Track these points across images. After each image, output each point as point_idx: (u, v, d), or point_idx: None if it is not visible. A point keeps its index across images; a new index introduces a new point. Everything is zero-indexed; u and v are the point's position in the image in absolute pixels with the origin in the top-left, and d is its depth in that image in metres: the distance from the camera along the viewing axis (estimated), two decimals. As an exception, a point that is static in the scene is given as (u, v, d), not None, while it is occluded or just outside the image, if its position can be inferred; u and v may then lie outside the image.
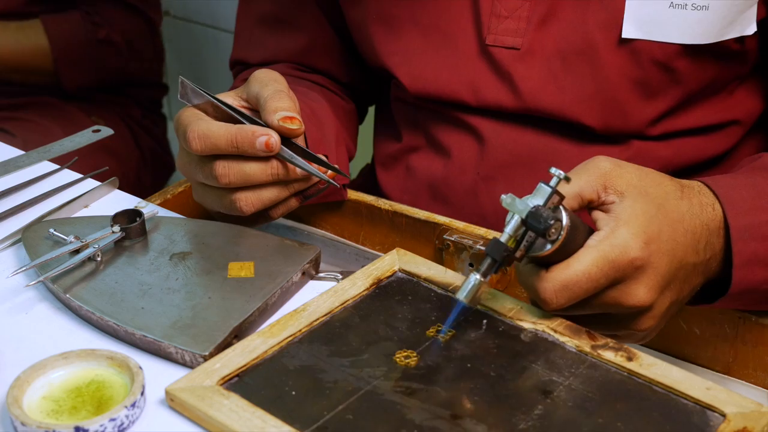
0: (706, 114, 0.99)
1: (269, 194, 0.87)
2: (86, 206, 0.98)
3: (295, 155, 0.85)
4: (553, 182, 0.70)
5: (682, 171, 1.00)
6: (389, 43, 1.04)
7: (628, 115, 0.97)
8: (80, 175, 1.02)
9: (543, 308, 0.74)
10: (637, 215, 0.73)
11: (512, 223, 0.71)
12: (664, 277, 0.74)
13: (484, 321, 0.77)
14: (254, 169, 0.84)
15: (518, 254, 0.72)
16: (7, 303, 0.82)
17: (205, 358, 0.73)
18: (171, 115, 2.59)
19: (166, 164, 1.99)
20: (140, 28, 1.77)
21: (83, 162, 1.09)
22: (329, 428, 0.65)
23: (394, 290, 0.81)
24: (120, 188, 1.02)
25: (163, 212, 0.95)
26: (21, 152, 1.08)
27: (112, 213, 0.88)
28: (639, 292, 0.73)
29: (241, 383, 0.70)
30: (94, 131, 1.09)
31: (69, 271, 0.82)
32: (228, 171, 0.84)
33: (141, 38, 1.77)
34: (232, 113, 0.87)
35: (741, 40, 0.93)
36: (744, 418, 0.66)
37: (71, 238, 0.84)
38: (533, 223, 0.70)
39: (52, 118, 1.73)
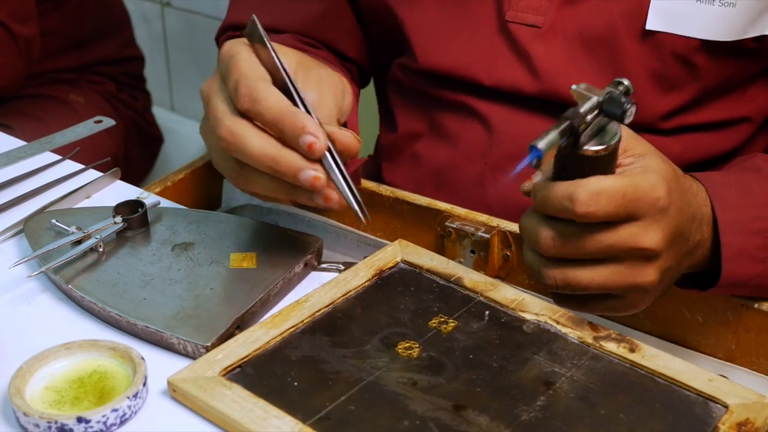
0: (719, 110, 0.99)
1: (272, 186, 0.76)
2: (88, 197, 0.98)
3: (334, 167, 0.73)
4: (618, 87, 0.70)
5: (691, 167, 1.00)
6: (406, 8, 1.02)
7: (643, 107, 0.96)
8: (82, 166, 1.02)
9: (571, 216, 0.69)
10: (660, 168, 0.73)
11: (588, 104, 0.68)
12: (674, 230, 0.73)
13: (487, 312, 0.77)
14: (262, 146, 0.73)
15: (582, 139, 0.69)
16: (9, 294, 0.82)
17: (207, 349, 0.73)
18: (172, 103, 2.59)
19: (151, 137, 2.03)
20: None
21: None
22: (331, 419, 0.65)
23: (397, 281, 0.81)
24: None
25: (165, 203, 0.95)
26: (22, 143, 1.08)
27: (114, 204, 0.88)
28: (654, 235, 0.71)
29: (244, 374, 0.70)
30: (96, 122, 1.08)
31: (71, 262, 0.82)
32: (231, 135, 0.73)
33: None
34: (291, 89, 0.74)
35: (760, 38, 0.93)
36: (746, 410, 0.66)
37: (73, 229, 0.84)
38: (610, 107, 0.68)
39: (39, 106, 1.78)
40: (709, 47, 0.92)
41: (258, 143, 0.72)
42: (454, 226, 0.94)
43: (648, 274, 0.72)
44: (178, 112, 2.58)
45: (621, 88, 0.69)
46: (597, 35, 0.94)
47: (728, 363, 0.89)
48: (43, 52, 1.75)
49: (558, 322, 0.75)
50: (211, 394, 0.67)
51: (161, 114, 2.21)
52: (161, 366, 0.72)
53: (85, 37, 1.87)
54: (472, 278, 0.81)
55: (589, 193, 0.68)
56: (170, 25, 2.45)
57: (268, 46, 0.75)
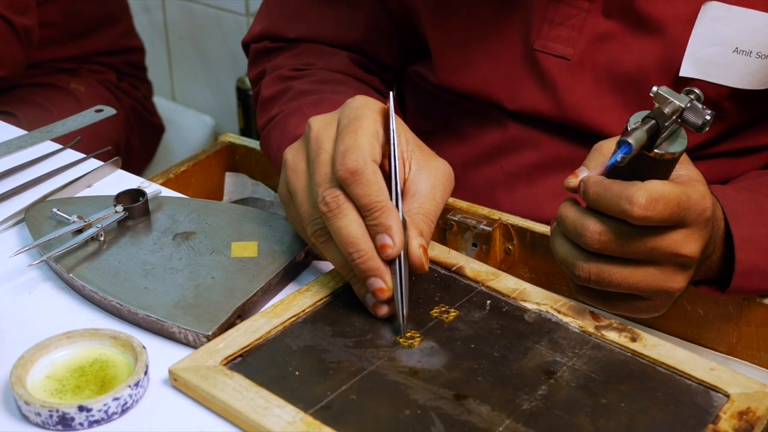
0: (740, 141, 0.98)
1: (341, 265, 0.75)
2: (89, 186, 0.98)
3: (398, 274, 0.73)
4: (690, 96, 0.70)
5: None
6: (433, 25, 1.00)
7: None
8: (83, 155, 1.02)
9: (626, 216, 0.69)
10: (702, 178, 0.73)
11: (671, 108, 0.68)
12: (707, 241, 0.74)
13: (488, 302, 0.77)
14: (354, 236, 0.72)
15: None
16: (11, 282, 0.82)
17: (209, 338, 0.73)
18: (173, 92, 2.58)
19: (152, 126, 2.05)
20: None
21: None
22: (332, 408, 0.65)
23: (398, 270, 0.81)
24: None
25: (166, 192, 0.95)
26: (23, 132, 1.08)
27: (115, 193, 0.87)
28: (695, 243, 0.72)
29: (245, 363, 0.70)
30: (97, 111, 1.08)
31: (72, 251, 0.82)
32: (336, 206, 0.73)
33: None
34: (394, 179, 0.74)
35: None
36: (748, 399, 0.66)
37: (74, 218, 0.84)
38: (690, 116, 0.68)
39: (42, 95, 1.80)
40: (739, 94, 0.91)
41: (352, 228, 0.72)
42: (456, 218, 0.94)
43: (679, 280, 0.73)
44: (179, 101, 2.57)
45: (693, 96, 0.70)
46: (627, 74, 0.93)
47: (729, 356, 0.89)
48: (42, 42, 1.76)
49: (559, 312, 0.75)
50: (213, 383, 0.67)
51: (162, 103, 2.21)
52: (162, 355, 0.72)
53: (83, 27, 1.88)
54: (474, 268, 0.81)
55: (649, 197, 0.68)
56: (171, 14, 2.45)
57: (392, 131, 0.75)
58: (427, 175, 0.77)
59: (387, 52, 1.10)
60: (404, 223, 0.74)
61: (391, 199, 0.73)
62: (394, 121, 0.76)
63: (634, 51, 0.92)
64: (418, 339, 0.73)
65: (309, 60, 1.06)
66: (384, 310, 0.74)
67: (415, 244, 0.73)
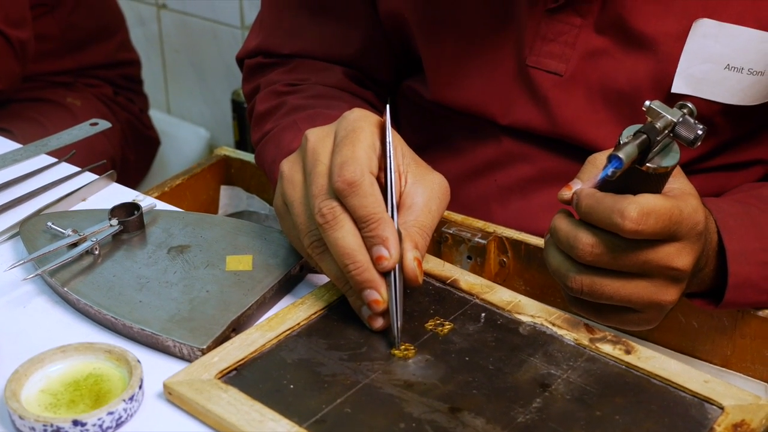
0: (733, 155, 0.98)
1: (336, 277, 0.75)
2: (84, 199, 0.98)
3: (392, 286, 0.73)
4: (682, 110, 0.70)
5: None
6: (426, 42, 1.01)
7: None
8: (78, 169, 1.02)
9: (617, 230, 0.69)
10: (695, 192, 0.74)
11: (662, 123, 0.69)
12: (699, 254, 0.74)
13: (483, 314, 0.77)
14: (350, 247, 0.73)
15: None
16: (5, 296, 0.82)
17: (203, 352, 0.73)
18: (168, 106, 2.58)
19: (148, 139, 2.05)
20: None
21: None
22: (327, 421, 0.65)
23: (393, 283, 0.81)
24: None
25: (161, 205, 0.95)
26: (18, 146, 1.08)
27: (110, 206, 0.87)
28: (687, 256, 0.72)
29: (240, 377, 0.70)
30: (91, 124, 1.08)
31: (67, 265, 0.82)
32: (333, 217, 0.73)
33: None
34: (389, 191, 0.75)
35: None
36: (742, 411, 0.66)
37: (69, 232, 0.84)
38: (682, 130, 0.69)
39: (36, 110, 1.80)
40: (732, 109, 0.92)
41: (348, 240, 0.72)
42: (451, 231, 0.94)
43: (671, 293, 0.74)
44: (174, 114, 2.58)
45: (685, 110, 0.70)
46: (619, 90, 0.93)
47: (724, 369, 0.89)
48: (38, 55, 1.76)
49: (554, 324, 0.75)
50: (207, 397, 0.67)
51: (157, 116, 2.22)
52: (157, 369, 0.72)
53: (80, 40, 1.89)
54: (468, 280, 0.81)
55: (640, 211, 0.68)
56: (166, 27, 2.46)
57: (388, 144, 0.75)
58: (423, 189, 0.77)
59: (381, 67, 1.10)
60: (400, 235, 0.74)
61: (387, 212, 0.73)
62: (391, 134, 0.76)
63: (627, 67, 0.92)
64: (413, 351, 0.73)
65: (303, 75, 1.06)
66: (379, 323, 0.74)
67: (410, 257, 0.73)
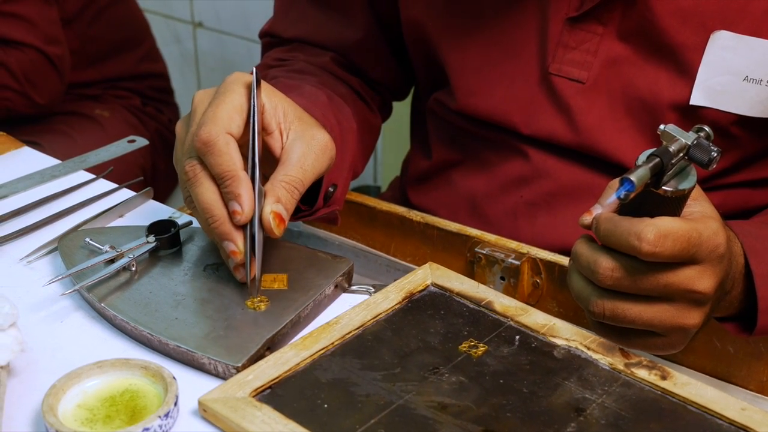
0: (756, 171, 0.98)
1: (207, 229, 0.81)
2: (121, 216, 0.99)
3: (248, 239, 0.78)
4: (698, 133, 0.71)
5: (726, 217, 1.00)
6: (449, 50, 1.02)
7: None
8: (115, 185, 1.03)
9: (635, 253, 0.69)
10: (717, 215, 0.74)
11: (676, 145, 0.69)
12: (723, 278, 0.74)
13: (517, 337, 0.77)
14: (208, 202, 0.78)
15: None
16: (43, 311, 0.82)
17: (238, 370, 0.73)
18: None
19: None
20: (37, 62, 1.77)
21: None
22: (361, 442, 0.65)
23: (427, 304, 0.81)
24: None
25: (197, 223, 0.96)
26: (56, 161, 1.09)
27: (147, 223, 0.88)
28: (709, 280, 0.72)
29: (274, 395, 0.70)
30: (129, 141, 1.10)
31: (104, 281, 0.82)
32: (193, 174, 0.79)
33: (37, 72, 1.76)
34: (250, 149, 0.80)
35: None
36: (780, 440, 0.65)
37: (107, 248, 0.85)
38: (696, 153, 0.69)
39: (66, 123, 1.84)
40: (751, 122, 0.92)
41: (207, 196, 0.78)
42: (484, 252, 0.94)
43: (694, 317, 0.73)
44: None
45: (702, 134, 0.70)
46: (640, 97, 0.94)
47: (760, 395, 0.88)
48: None
49: (589, 348, 0.75)
50: (242, 415, 0.68)
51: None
52: (192, 385, 0.73)
53: (101, 52, 1.92)
54: (503, 302, 0.81)
55: (657, 234, 0.69)
56: (201, 45, 2.48)
57: (255, 89, 0.80)
58: (300, 144, 0.82)
59: (376, 66, 1.13)
60: (266, 192, 0.79)
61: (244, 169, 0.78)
62: (265, 93, 0.82)
63: (647, 75, 0.93)
64: (265, 303, 0.79)
65: (294, 54, 1.11)
66: (241, 274, 0.80)
67: (267, 210, 0.78)
